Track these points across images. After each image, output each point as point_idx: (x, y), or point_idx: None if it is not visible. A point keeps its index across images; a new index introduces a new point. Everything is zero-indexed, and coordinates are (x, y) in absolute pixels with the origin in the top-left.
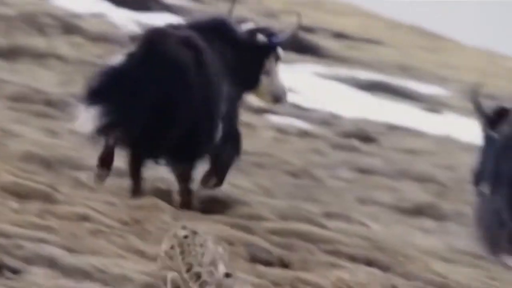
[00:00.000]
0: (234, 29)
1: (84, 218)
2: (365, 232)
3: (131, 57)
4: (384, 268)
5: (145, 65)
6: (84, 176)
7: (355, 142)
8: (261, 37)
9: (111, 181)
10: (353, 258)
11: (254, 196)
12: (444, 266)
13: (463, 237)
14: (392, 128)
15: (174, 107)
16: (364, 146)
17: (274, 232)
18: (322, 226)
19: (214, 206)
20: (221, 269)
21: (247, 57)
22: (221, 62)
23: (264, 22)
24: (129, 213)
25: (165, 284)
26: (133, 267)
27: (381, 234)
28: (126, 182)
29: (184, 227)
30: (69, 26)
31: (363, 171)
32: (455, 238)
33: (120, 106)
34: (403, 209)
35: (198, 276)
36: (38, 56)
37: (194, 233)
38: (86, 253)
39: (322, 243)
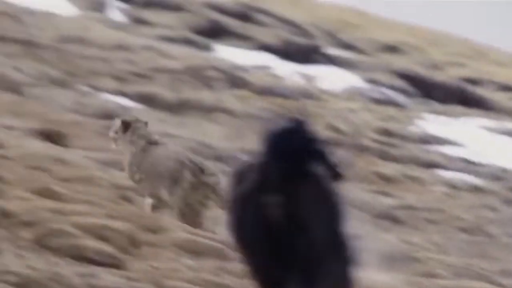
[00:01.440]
0: None
1: None
2: None
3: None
4: None
5: None
6: None
7: None
8: None
9: None
10: None
11: (426, 253)
12: None
13: None
14: None
15: None
16: None
17: None
18: (499, 285)
19: (389, 263)
20: None
21: None
22: None
23: (428, 74)
24: None
25: None
26: None
27: None
28: None
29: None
30: (234, 79)
31: None
32: None
33: None
34: None
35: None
36: (206, 110)
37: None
38: None
39: None
